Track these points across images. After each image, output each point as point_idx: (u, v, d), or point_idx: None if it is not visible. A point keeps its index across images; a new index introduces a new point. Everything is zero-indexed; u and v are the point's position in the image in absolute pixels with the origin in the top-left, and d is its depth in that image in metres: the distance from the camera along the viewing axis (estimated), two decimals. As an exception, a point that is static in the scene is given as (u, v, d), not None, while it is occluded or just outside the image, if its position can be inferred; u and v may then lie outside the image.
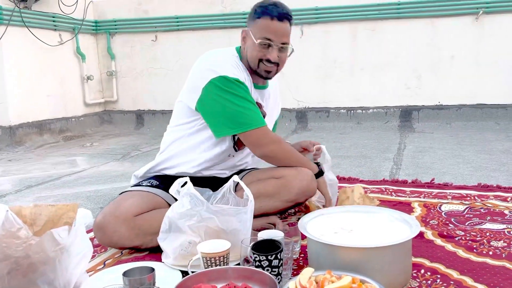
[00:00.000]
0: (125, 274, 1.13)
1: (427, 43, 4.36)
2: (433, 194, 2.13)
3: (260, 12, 1.54)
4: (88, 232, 1.61)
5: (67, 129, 4.70)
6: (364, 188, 2.26)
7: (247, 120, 1.55)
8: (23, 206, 1.15)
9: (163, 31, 5.01)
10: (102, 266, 1.46)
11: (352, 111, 4.62)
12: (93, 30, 5.15)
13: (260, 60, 1.56)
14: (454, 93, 4.36)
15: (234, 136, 1.64)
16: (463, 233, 1.60)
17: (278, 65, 1.59)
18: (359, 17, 4.45)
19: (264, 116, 1.69)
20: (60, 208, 1.18)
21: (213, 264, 1.25)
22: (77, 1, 4.67)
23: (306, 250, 1.36)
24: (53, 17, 4.50)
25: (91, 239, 1.46)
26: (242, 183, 1.43)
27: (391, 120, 4.49)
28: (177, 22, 4.94)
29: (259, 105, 1.68)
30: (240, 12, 4.70)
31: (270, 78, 1.66)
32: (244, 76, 1.60)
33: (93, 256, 1.49)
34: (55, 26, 4.55)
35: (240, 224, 1.38)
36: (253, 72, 1.62)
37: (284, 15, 1.53)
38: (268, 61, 1.55)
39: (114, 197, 1.65)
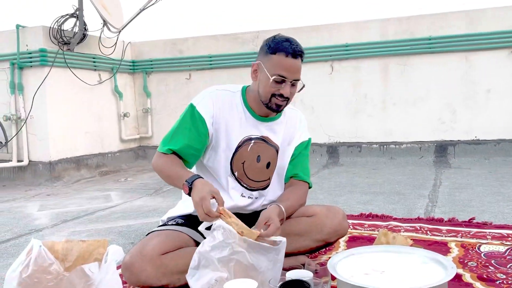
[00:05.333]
0: (152, 312, 1.12)
1: (461, 77, 4.29)
2: (471, 233, 2.03)
3: (274, 48, 1.54)
4: (118, 268, 1.63)
5: (103, 164, 4.84)
6: (397, 226, 2.20)
7: (162, 141, 1.64)
8: (55, 241, 1.17)
9: (197, 69, 5.17)
10: (131, 303, 1.46)
11: (385, 146, 4.55)
12: (131, 69, 5.38)
13: (273, 95, 1.56)
14: (492, 127, 4.23)
15: (232, 174, 1.64)
16: (504, 277, 1.51)
17: (288, 99, 1.59)
18: (390, 53, 4.46)
19: (277, 150, 1.67)
20: (90, 244, 1.20)
21: (240, 304, 1.22)
22: (116, 43, 4.92)
23: (336, 291, 1.31)
24: (94, 58, 4.74)
25: (121, 276, 1.47)
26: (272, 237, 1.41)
27: (426, 156, 4.38)
28: (210, 61, 5.10)
29: (265, 138, 1.66)
30: (271, 50, 4.80)
31: (279, 112, 1.65)
32: (216, 110, 1.60)
33: (122, 293, 1.49)
34: (95, 66, 4.78)
35: (270, 263, 1.36)
36: (262, 104, 1.61)
37: (297, 53, 1.54)
38: (281, 96, 1.56)
39: (145, 232, 1.67)
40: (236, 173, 1.64)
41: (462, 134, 4.33)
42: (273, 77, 1.53)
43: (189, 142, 1.59)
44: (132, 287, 1.54)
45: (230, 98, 1.65)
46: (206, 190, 1.40)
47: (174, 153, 1.60)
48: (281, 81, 1.54)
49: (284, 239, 1.40)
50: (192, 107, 1.62)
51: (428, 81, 4.39)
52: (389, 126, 4.56)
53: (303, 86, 1.59)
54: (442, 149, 4.36)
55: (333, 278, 1.34)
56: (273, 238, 1.40)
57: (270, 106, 1.59)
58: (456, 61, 4.29)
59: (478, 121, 4.28)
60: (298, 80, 1.56)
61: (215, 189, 1.43)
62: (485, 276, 1.52)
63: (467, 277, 1.53)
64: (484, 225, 2.16)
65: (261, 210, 1.67)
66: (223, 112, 1.62)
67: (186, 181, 1.46)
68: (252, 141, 1.64)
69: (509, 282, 1.47)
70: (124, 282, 1.50)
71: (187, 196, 1.71)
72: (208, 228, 1.39)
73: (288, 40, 1.55)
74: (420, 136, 4.46)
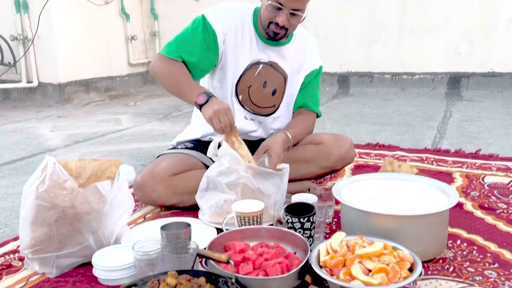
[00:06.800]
0: (163, 228, 1.18)
1: (482, 5, 4.08)
2: (476, 165, 2.05)
3: None
4: (130, 187, 1.69)
5: (112, 88, 4.83)
6: (403, 156, 2.22)
7: (168, 45, 1.56)
8: (69, 159, 1.21)
9: (206, -10, 4.95)
10: (142, 219, 1.54)
11: (397, 77, 4.46)
12: (137, -11, 5.17)
13: (271, 22, 1.49)
14: (509, 59, 4.09)
15: (237, 96, 1.62)
16: (505, 206, 1.55)
17: (287, 29, 1.50)
18: (410, -23, 4.21)
19: (285, 78, 1.64)
20: (103, 163, 1.23)
21: (247, 223, 1.28)
22: (122, -40, 4.68)
23: (340, 215, 1.36)
24: (99, -24, 4.55)
25: (133, 194, 1.53)
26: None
27: (438, 87, 4.31)
28: (220, -19, 4.86)
29: (274, 64, 1.62)
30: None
31: (277, 40, 1.57)
32: (229, 27, 1.54)
33: (134, 210, 1.56)
34: (100, -15, 4.60)
35: (275, 187, 1.40)
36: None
37: None
38: (277, 24, 1.47)
39: (155, 155, 1.71)
40: (240, 96, 1.62)
41: (477, 66, 4.21)
42: (269, 2, 1.45)
43: (201, 57, 1.53)
44: (144, 204, 1.61)
45: (243, 18, 1.58)
46: (227, 105, 1.40)
47: (183, 62, 1.53)
48: (277, 8, 1.44)
49: (287, 165, 1.43)
50: (204, 19, 1.54)
51: (447, 9, 4.18)
52: (403, 56, 4.42)
53: (304, 18, 1.49)
54: (455, 81, 4.26)
55: (337, 202, 1.39)
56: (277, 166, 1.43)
57: (268, 33, 1.53)
58: (479, -13, 4.05)
59: (495, 52, 4.13)
60: (298, 10, 1.45)
61: None
62: (486, 206, 1.56)
63: (469, 205, 1.57)
64: (490, 157, 2.17)
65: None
66: (235, 31, 1.56)
67: (204, 92, 1.42)
68: (261, 66, 1.60)
69: (510, 211, 1.51)
70: (136, 201, 1.57)
71: (196, 120, 1.72)
72: (218, 146, 1.41)
73: None
74: (434, 67, 4.34)
